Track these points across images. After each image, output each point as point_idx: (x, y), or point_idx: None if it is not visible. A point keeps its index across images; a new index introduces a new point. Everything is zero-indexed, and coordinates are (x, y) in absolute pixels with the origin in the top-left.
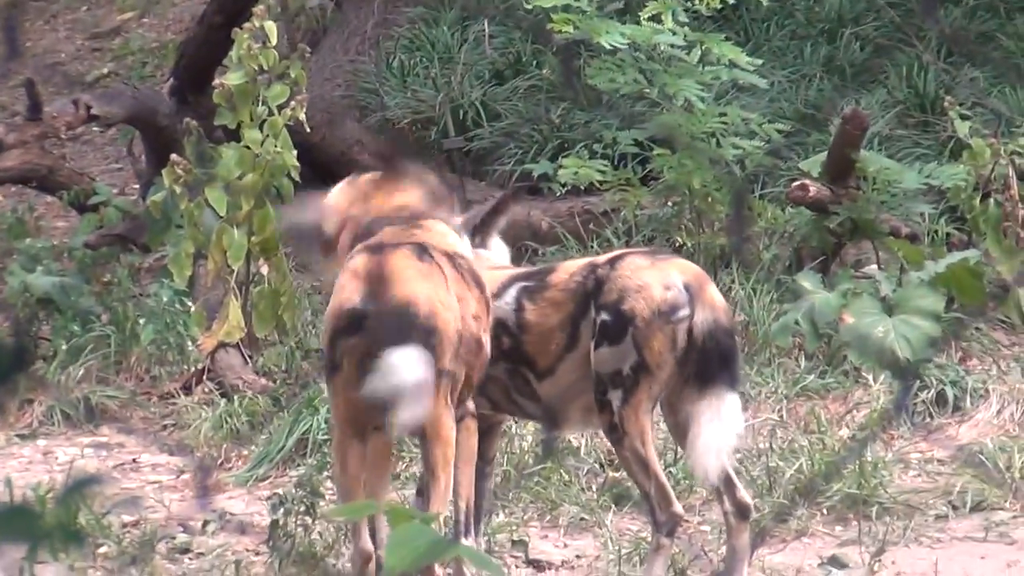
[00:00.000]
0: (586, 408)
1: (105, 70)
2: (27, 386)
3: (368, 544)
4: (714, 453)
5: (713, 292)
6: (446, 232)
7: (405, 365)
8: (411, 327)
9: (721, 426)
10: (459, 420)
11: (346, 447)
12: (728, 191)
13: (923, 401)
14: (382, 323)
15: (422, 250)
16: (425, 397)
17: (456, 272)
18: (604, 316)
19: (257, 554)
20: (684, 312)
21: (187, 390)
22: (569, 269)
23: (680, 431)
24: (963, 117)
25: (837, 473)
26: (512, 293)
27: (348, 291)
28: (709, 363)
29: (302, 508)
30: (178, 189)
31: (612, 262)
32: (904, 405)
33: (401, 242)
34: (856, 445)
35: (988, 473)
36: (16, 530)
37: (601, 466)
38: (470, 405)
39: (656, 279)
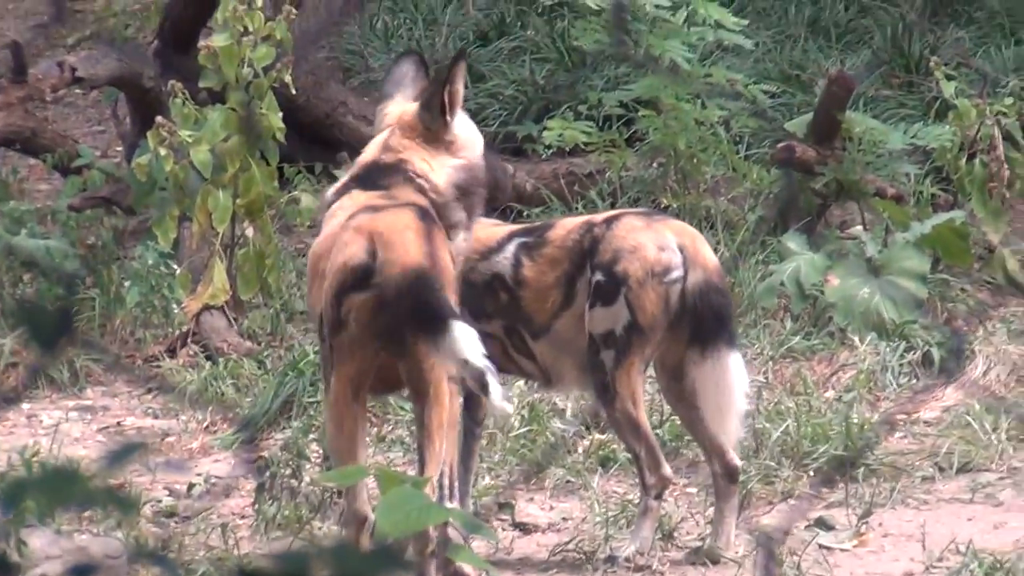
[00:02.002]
0: (581, 368)
1: (87, 32)
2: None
3: (365, 507)
4: (730, 419)
5: (707, 252)
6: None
7: (469, 342)
8: (432, 291)
9: (729, 388)
10: None
11: (344, 408)
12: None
13: (909, 363)
14: (404, 287)
15: (423, 212)
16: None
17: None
18: (599, 276)
19: (243, 517)
20: (678, 273)
21: (172, 353)
22: (567, 226)
23: (684, 396)
24: (948, 77)
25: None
26: (511, 249)
27: (353, 248)
28: (704, 324)
29: (288, 471)
30: (163, 151)
31: (608, 222)
32: (957, 357)
33: (402, 203)
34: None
35: (974, 435)
36: (65, 494)
37: (587, 428)
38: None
39: (651, 240)
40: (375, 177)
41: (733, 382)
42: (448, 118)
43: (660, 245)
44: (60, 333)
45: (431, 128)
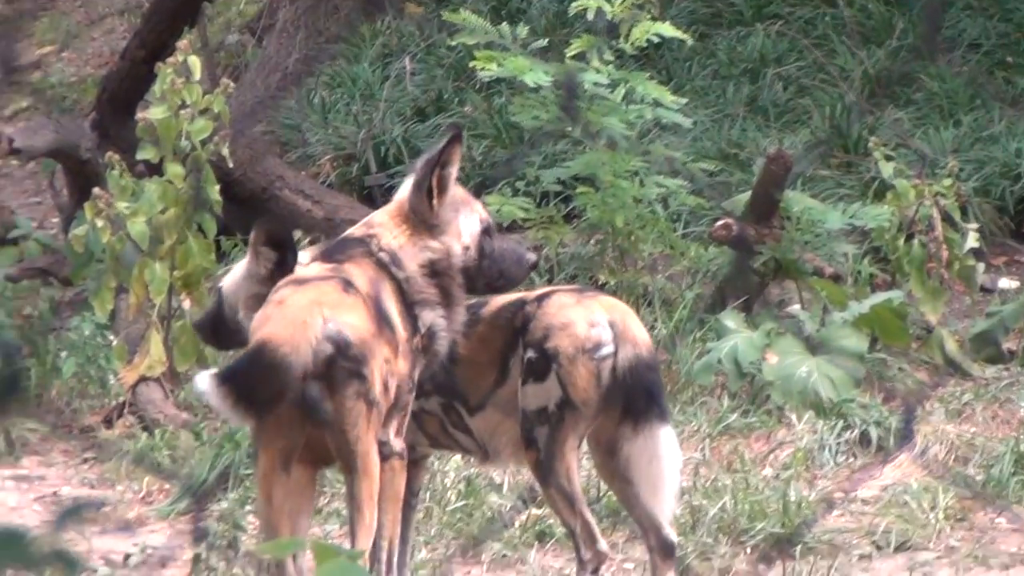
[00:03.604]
0: (518, 444)
1: (24, 104)
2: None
3: None
4: (663, 493)
5: (636, 328)
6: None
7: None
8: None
9: (662, 464)
10: (385, 459)
11: (272, 479)
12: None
13: (847, 441)
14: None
15: (347, 284)
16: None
17: (375, 312)
18: (530, 353)
19: None
20: (608, 349)
21: (108, 424)
22: (500, 304)
23: (618, 472)
24: (887, 158)
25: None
26: None
27: (276, 321)
28: (635, 399)
29: (224, 542)
30: (100, 223)
31: (540, 299)
32: (908, 433)
33: (327, 276)
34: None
35: (912, 514)
36: (10, 554)
37: (524, 502)
38: (396, 445)
39: (581, 316)
40: (338, 250)
41: (665, 457)
42: (434, 201)
43: (590, 321)
44: (10, 395)
45: (417, 209)
